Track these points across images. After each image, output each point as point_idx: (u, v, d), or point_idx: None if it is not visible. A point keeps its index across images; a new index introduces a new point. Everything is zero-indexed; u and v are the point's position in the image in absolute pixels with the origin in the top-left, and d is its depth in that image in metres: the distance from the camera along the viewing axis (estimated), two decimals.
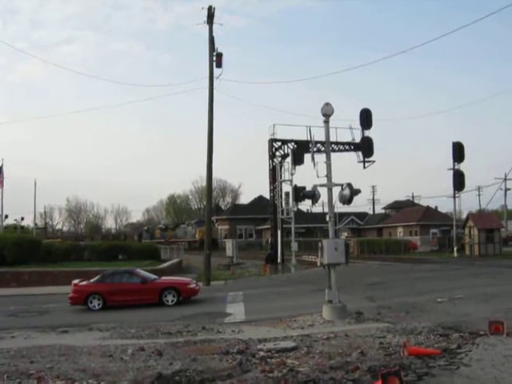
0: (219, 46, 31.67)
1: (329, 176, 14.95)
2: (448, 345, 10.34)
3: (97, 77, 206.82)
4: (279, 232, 38.07)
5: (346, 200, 14.87)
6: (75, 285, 20.65)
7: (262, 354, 10.36)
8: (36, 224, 77.94)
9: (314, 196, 15.21)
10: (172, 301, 20.27)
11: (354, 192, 14.76)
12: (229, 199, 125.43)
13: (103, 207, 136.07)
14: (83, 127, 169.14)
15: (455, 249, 46.78)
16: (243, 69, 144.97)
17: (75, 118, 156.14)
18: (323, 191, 15.36)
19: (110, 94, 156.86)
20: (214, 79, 31.74)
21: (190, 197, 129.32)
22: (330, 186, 15.00)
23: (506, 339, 10.57)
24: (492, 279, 23.05)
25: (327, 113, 15.12)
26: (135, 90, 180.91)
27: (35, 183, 63.72)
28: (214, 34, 31.73)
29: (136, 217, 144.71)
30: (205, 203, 73.06)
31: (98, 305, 19.92)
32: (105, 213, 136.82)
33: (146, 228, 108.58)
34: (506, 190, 74.24)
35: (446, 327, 12.17)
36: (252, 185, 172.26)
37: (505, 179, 68.95)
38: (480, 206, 79.54)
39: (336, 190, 15.28)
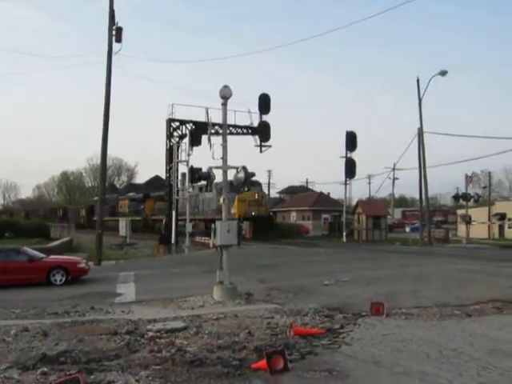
0: (123, 21, 30.99)
1: (224, 158, 15.03)
2: (332, 325, 10.78)
3: None
4: (174, 213, 37.89)
5: (241, 183, 15.06)
6: None
7: (151, 334, 10.32)
8: None
9: (209, 177, 15.29)
10: (60, 280, 19.72)
11: (249, 175, 14.97)
12: (124, 178, 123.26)
13: None
14: None
15: (344, 234, 48.59)
16: (145, 46, 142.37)
17: None
18: (219, 173, 15.45)
19: (4, 62, 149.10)
20: (113, 54, 30.98)
21: (84, 174, 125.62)
22: (225, 168, 15.09)
23: (385, 319, 11.21)
24: (376, 263, 24.18)
25: (225, 95, 15.14)
26: (31, 59, 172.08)
27: None
28: (117, 8, 30.96)
29: (25, 193, 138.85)
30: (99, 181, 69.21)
31: None
32: None
33: (108, 196, 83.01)
34: (394, 179, 78.07)
35: (331, 308, 12.66)
36: (149, 164, 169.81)
37: (393, 169, 72.23)
38: (370, 193, 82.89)
39: (231, 173, 15.42)
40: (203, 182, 43.35)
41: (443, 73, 42.16)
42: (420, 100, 43.65)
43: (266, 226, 46.80)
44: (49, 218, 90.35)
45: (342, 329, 10.37)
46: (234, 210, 45.51)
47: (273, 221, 51.38)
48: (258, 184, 49.89)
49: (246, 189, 45.72)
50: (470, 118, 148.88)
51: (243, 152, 41.55)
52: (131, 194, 75.69)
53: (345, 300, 13.92)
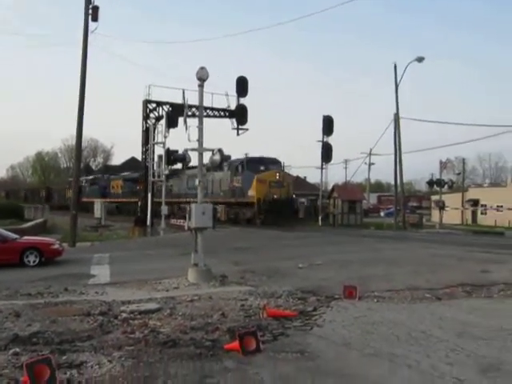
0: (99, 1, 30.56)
1: (200, 141, 15.00)
2: (305, 307, 10.92)
3: None
4: (149, 195, 37.72)
5: (216, 165, 15.09)
6: None
7: (124, 315, 10.34)
8: None
9: (184, 159, 15.30)
10: (34, 261, 19.60)
11: (224, 158, 14.99)
12: (100, 159, 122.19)
13: None
14: None
15: (320, 218, 48.76)
16: (122, 27, 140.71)
17: None
18: (195, 155, 15.44)
19: None
20: (89, 33, 30.57)
21: (60, 155, 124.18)
22: (200, 150, 15.08)
23: (357, 302, 11.38)
24: (350, 247, 24.37)
25: (202, 77, 15.09)
26: (11, 38, 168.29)
27: None
28: None
29: None
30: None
31: None
32: None
33: (91, 178, 74.16)
34: (370, 164, 78.67)
35: (305, 291, 12.80)
36: (125, 146, 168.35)
37: (369, 154, 72.69)
38: (346, 178, 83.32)
39: (207, 155, 15.44)
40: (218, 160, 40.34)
41: (420, 59, 42.35)
42: (396, 86, 43.86)
43: (288, 212, 41.01)
44: (31, 198, 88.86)
45: (314, 311, 10.51)
46: (252, 192, 40.69)
47: (296, 205, 44.27)
48: (277, 162, 44.20)
49: (262, 168, 41.52)
50: (448, 106, 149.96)
51: (221, 134, 41.41)
52: (126, 173, 66.99)
53: (318, 283, 14.05)
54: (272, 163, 43.22)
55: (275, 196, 38.70)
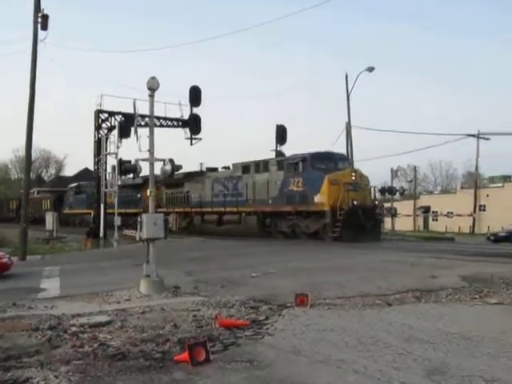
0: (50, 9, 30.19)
1: (151, 151, 14.92)
2: (257, 316, 10.94)
3: None
4: (102, 206, 37.30)
5: (167, 175, 15.08)
6: None
7: (74, 329, 10.17)
8: None
9: (135, 170, 15.23)
10: None
11: (176, 168, 14.98)
12: (53, 170, 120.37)
13: None
14: None
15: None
16: (77, 36, 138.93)
17: None
18: (146, 165, 15.33)
19: None
20: (39, 42, 30.11)
21: (10, 166, 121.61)
22: (151, 160, 15.00)
23: (309, 310, 11.46)
24: (303, 255, 24.48)
25: (152, 87, 15.05)
26: None
27: None
28: None
29: None
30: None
31: None
32: None
33: (75, 186, 65.18)
34: None
35: (257, 300, 12.82)
36: (78, 157, 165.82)
37: None
38: None
39: (158, 165, 15.37)
40: (245, 161, 38.24)
41: (370, 69, 43.23)
42: (348, 95, 44.65)
43: (374, 223, 32.08)
44: None
45: (266, 320, 10.54)
46: (321, 198, 30.70)
47: (378, 215, 33.58)
48: (347, 159, 35.56)
49: (325, 166, 32.18)
50: (404, 114, 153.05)
51: (179, 145, 41.49)
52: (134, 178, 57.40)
53: (271, 291, 14.07)
54: (342, 160, 34.14)
55: (354, 202, 30.42)
